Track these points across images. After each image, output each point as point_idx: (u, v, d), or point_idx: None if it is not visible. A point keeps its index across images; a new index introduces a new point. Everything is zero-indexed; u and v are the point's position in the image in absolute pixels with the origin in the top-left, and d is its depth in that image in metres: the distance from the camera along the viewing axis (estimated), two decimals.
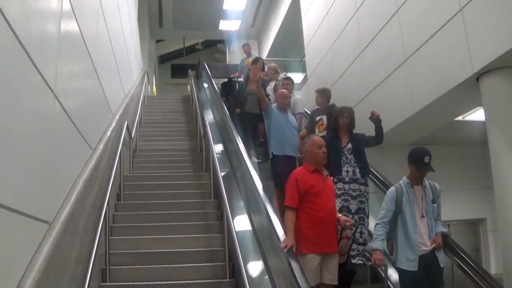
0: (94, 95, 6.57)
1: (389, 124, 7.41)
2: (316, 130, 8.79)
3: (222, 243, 6.57)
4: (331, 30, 12.57)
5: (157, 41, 25.82)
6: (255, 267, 6.08)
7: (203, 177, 9.11)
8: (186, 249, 6.70)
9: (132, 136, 9.89)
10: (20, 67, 3.36)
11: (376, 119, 7.44)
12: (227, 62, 25.34)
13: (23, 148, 3.41)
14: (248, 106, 10.54)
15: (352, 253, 6.20)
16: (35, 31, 3.75)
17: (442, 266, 5.50)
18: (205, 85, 15.32)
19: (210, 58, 25.06)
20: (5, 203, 2.96)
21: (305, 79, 15.07)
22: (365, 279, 6.36)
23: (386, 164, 7.50)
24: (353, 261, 6.45)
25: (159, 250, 6.63)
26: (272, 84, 11.20)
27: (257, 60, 12.12)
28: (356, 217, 6.89)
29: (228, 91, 12.53)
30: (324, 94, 9.13)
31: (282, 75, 10.75)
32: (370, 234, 6.92)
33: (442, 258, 5.54)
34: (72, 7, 4.94)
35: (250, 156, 8.19)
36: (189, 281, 6.04)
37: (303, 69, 15.61)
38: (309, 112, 9.88)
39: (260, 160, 9.68)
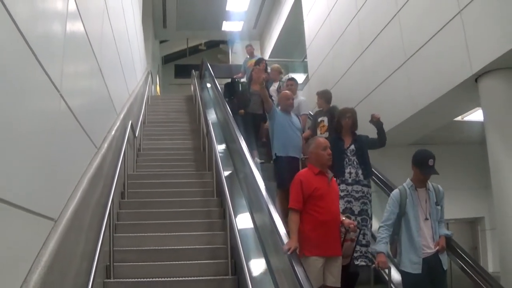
0: (99, 94, 6.60)
1: (389, 124, 7.47)
2: (318, 132, 8.80)
3: (225, 241, 6.62)
4: (333, 31, 12.61)
5: (161, 42, 25.83)
6: (256, 265, 6.06)
7: (206, 175, 9.15)
8: (189, 246, 6.73)
9: (136, 135, 9.92)
10: (26, 67, 3.39)
11: (376, 122, 7.40)
12: (230, 63, 25.33)
13: (29, 147, 3.45)
14: (251, 107, 10.52)
15: (355, 254, 6.13)
16: (42, 31, 3.77)
17: (445, 269, 5.46)
18: (208, 85, 15.31)
19: (213, 59, 25.11)
20: (13, 200, 3.00)
21: (306, 80, 15.08)
22: (368, 281, 6.31)
23: (387, 163, 7.54)
24: (356, 262, 6.42)
25: (162, 247, 6.68)
26: (275, 85, 11.21)
27: (260, 61, 12.13)
28: (359, 218, 6.89)
29: (231, 91, 12.57)
30: (323, 96, 9.19)
31: (287, 77, 10.82)
32: (373, 236, 7.00)
33: (446, 260, 5.51)
34: (77, 8, 4.97)
35: (252, 156, 8.17)
36: (192, 278, 6.09)
37: (305, 70, 15.62)
38: (312, 114, 9.90)
39: (262, 161, 9.64)
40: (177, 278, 6.09)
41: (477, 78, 6.95)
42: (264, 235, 6.36)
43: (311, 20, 14.84)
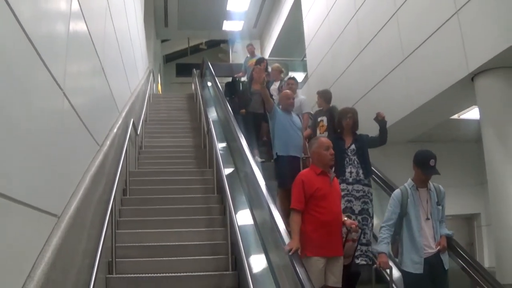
0: (101, 93, 6.63)
1: (388, 122, 7.51)
2: (317, 132, 8.81)
3: (225, 237, 6.64)
4: (332, 31, 12.69)
5: (162, 41, 25.90)
6: (256, 260, 6.09)
7: (207, 172, 9.20)
8: (190, 242, 6.78)
9: (138, 133, 9.97)
10: (30, 66, 3.42)
11: (381, 120, 7.37)
12: (231, 62, 25.43)
13: (33, 144, 3.47)
14: (251, 106, 10.53)
15: (355, 253, 6.04)
16: (45, 31, 3.80)
17: (446, 268, 5.45)
18: (209, 83, 15.32)
19: (213, 58, 25.14)
20: (17, 197, 3.03)
21: (306, 79, 15.18)
22: (368, 280, 6.32)
23: (384, 160, 7.58)
24: (357, 261, 6.35)
25: (163, 243, 6.71)
26: (276, 84, 11.21)
27: (261, 60, 12.11)
28: (359, 217, 6.87)
29: (232, 91, 12.60)
30: (323, 95, 9.16)
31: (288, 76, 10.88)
32: (374, 236, 7.00)
33: (447, 260, 5.49)
34: (80, 8, 5.00)
35: (253, 155, 8.14)
36: (193, 273, 6.12)
37: (304, 69, 15.71)
38: (312, 113, 9.89)
39: (263, 160, 9.64)
40: (178, 274, 6.12)
41: (473, 77, 7.05)
42: (264, 231, 6.39)
43: (311, 20, 14.92)
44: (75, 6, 4.80)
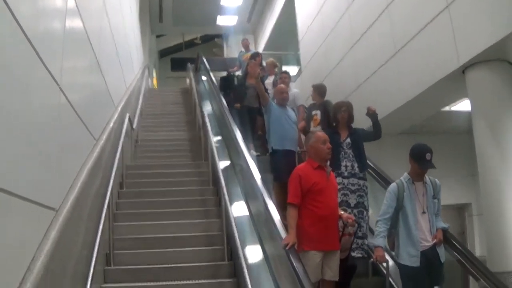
0: (97, 88, 6.68)
1: (380, 114, 7.52)
2: (311, 125, 8.78)
3: (220, 228, 6.76)
4: (324, 25, 12.72)
5: (157, 36, 25.88)
6: (252, 251, 6.12)
7: (202, 165, 9.27)
8: (186, 234, 6.86)
9: (134, 127, 10.03)
10: (28, 62, 3.46)
11: (372, 114, 7.38)
12: (225, 56, 25.43)
13: (31, 139, 3.52)
14: (247, 100, 10.53)
15: (351, 246, 6.03)
16: (42, 28, 3.84)
17: (442, 261, 5.44)
18: (204, 77, 15.29)
19: (208, 52, 25.14)
20: (16, 191, 3.08)
21: (299, 72, 15.21)
22: (364, 273, 6.34)
23: (376, 152, 7.58)
24: (352, 254, 6.27)
25: (160, 235, 6.79)
26: (271, 78, 11.20)
27: (255, 55, 12.04)
28: (355, 211, 6.89)
29: (227, 85, 12.60)
30: (317, 89, 9.14)
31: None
32: (370, 229, 7.04)
33: (443, 253, 5.48)
34: (76, 5, 5.04)
35: (248, 149, 8.08)
36: (189, 264, 6.20)
37: (298, 62, 15.74)
38: (306, 106, 9.85)
39: (258, 153, 9.69)
40: (175, 265, 6.19)
41: (464, 69, 7.08)
42: (259, 222, 6.43)
43: (304, 14, 14.95)
44: (71, 3, 4.85)
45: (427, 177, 5.68)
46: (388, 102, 8.88)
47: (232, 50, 23.62)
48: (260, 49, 20.28)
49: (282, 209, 6.00)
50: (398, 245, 5.56)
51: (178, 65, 23.67)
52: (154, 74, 24.07)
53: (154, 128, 11.99)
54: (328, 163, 5.78)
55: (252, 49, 16.30)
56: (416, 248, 5.39)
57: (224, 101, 10.56)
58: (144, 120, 12.30)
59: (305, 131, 8.44)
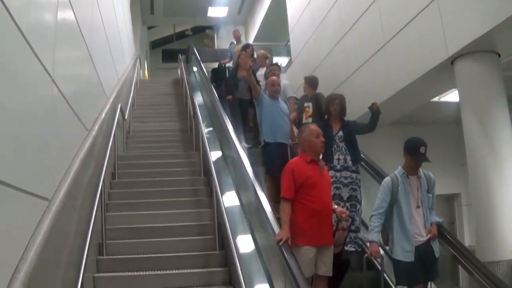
0: (89, 79, 6.69)
1: (369, 105, 7.56)
2: (303, 116, 8.76)
3: (212, 218, 6.78)
4: (314, 16, 12.74)
5: (149, 28, 25.83)
6: (243, 240, 6.11)
7: (193, 155, 9.31)
8: (178, 224, 6.91)
9: (126, 118, 10.09)
10: (21, 54, 3.48)
11: (376, 110, 7.30)
12: (216, 47, 25.56)
13: (24, 130, 3.53)
14: (238, 92, 10.47)
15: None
16: (34, 20, 3.86)
17: (437, 256, 5.44)
18: (195, 68, 15.23)
19: (199, 44, 25.12)
20: (9, 181, 3.09)
21: (289, 63, 15.24)
22: (357, 267, 6.18)
23: (365, 142, 7.65)
24: (345, 248, 6.09)
25: (152, 225, 6.85)
26: (262, 70, 11.21)
27: (246, 47, 11.99)
28: (348, 204, 6.88)
29: (219, 77, 12.52)
30: (309, 81, 9.13)
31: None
32: (363, 222, 7.10)
33: (437, 248, 5.47)
34: None
35: (240, 141, 8.04)
36: (181, 254, 6.27)
37: (288, 53, 15.76)
38: (298, 98, 9.81)
39: (250, 145, 9.60)
40: (167, 254, 6.26)
41: (453, 60, 7.13)
42: (250, 212, 6.43)
43: (294, 5, 14.95)
44: None
45: (421, 171, 5.66)
46: (377, 92, 8.89)
47: (223, 41, 23.69)
48: (251, 40, 20.27)
49: (273, 201, 6.05)
50: (392, 239, 5.55)
51: (169, 56, 23.75)
52: (146, 65, 24.04)
53: (146, 119, 11.99)
54: (321, 156, 5.71)
55: (243, 40, 16.31)
56: (410, 243, 5.37)
57: (214, 91, 10.55)
58: (135, 111, 12.28)
59: (296, 122, 8.50)
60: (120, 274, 5.91)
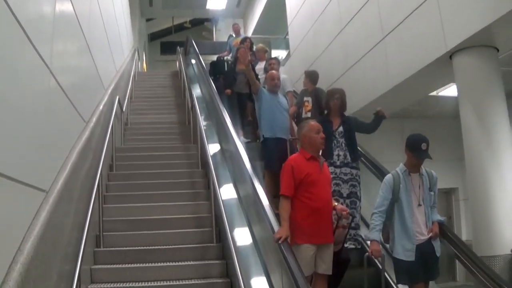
0: (87, 71, 6.70)
1: (367, 98, 7.54)
2: (303, 111, 8.77)
3: (209, 210, 6.78)
4: (313, 9, 12.71)
5: (147, 20, 25.76)
6: (240, 232, 6.14)
7: (191, 148, 9.35)
8: (175, 216, 6.93)
9: (124, 110, 10.09)
10: (19, 46, 3.49)
11: (380, 116, 7.18)
12: (214, 40, 25.51)
13: (21, 121, 3.54)
14: (236, 86, 10.48)
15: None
16: (32, 11, 3.86)
17: (438, 255, 5.36)
18: (193, 61, 15.21)
19: (197, 36, 25.04)
20: (6, 172, 3.10)
21: (288, 56, 15.23)
22: (356, 264, 6.11)
23: (364, 135, 7.65)
24: (345, 245, 5.89)
25: (149, 217, 6.87)
26: (261, 64, 11.12)
27: (244, 40, 12.13)
28: (347, 201, 6.84)
29: (217, 70, 12.56)
30: (309, 76, 9.09)
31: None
32: (362, 218, 7.13)
33: (439, 247, 5.39)
34: None
35: (238, 135, 7.99)
36: (178, 246, 6.27)
37: (287, 46, 15.69)
38: (297, 92, 9.88)
39: (249, 140, 9.64)
40: (164, 246, 6.27)
41: (451, 55, 7.14)
42: (247, 205, 6.45)
43: None
44: None
45: (423, 169, 5.56)
46: (376, 86, 8.94)
47: (222, 34, 23.69)
48: (249, 33, 20.20)
49: (272, 196, 6.04)
50: (393, 238, 5.48)
51: (168, 48, 23.71)
52: (144, 58, 24.02)
53: (144, 111, 11.98)
54: (320, 152, 5.64)
55: (243, 34, 16.28)
56: (411, 242, 5.30)
57: (212, 84, 10.51)
58: (134, 103, 12.28)
59: (295, 117, 8.49)
60: (117, 266, 5.92)
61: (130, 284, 5.59)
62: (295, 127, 8.50)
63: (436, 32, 7.25)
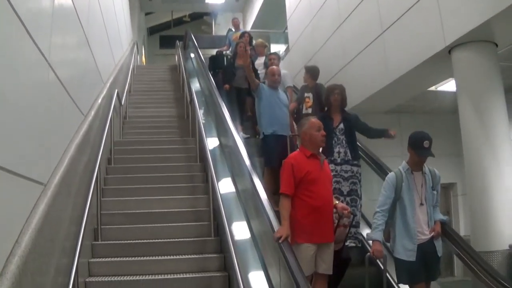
0: (86, 64, 6.71)
1: (366, 93, 7.51)
2: (304, 107, 8.68)
3: (207, 204, 6.78)
4: (312, 4, 12.70)
5: (146, 14, 25.71)
6: (238, 226, 6.15)
7: (189, 141, 9.36)
8: (173, 210, 6.93)
9: (122, 103, 10.07)
10: (18, 39, 3.50)
11: (388, 135, 6.99)
12: (213, 34, 25.51)
13: (20, 114, 3.55)
14: (236, 81, 10.32)
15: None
16: (31, 4, 3.87)
17: (439, 255, 5.31)
18: (192, 55, 15.22)
19: (197, 30, 25.01)
20: (4, 165, 3.11)
21: (287, 50, 15.20)
22: (357, 263, 6.01)
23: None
24: (345, 243, 5.70)
25: (147, 211, 6.87)
26: (261, 59, 11.15)
27: (243, 34, 12.11)
28: (348, 198, 6.79)
29: (216, 65, 12.53)
30: (310, 71, 9.00)
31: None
32: (363, 216, 7.11)
33: (440, 247, 5.33)
34: None
35: (237, 131, 7.95)
36: (176, 240, 6.28)
37: (286, 41, 15.66)
38: (297, 88, 9.81)
39: (248, 135, 9.59)
40: (162, 240, 6.28)
41: (450, 50, 7.12)
42: (246, 199, 6.46)
43: None
44: None
45: (426, 167, 5.47)
46: (374, 81, 8.94)
47: (221, 28, 23.66)
48: (249, 27, 20.17)
49: (272, 193, 6.03)
50: (394, 237, 5.41)
51: (167, 42, 23.60)
52: (143, 51, 24.01)
53: (143, 105, 11.97)
54: (321, 149, 5.51)
55: (242, 28, 16.26)
56: (412, 241, 5.23)
57: (211, 78, 10.52)
58: (132, 97, 12.27)
59: (295, 112, 8.48)
60: (115, 259, 5.92)
61: (128, 278, 5.59)
62: (294, 124, 8.50)
63: (435, 27, 7.24)
